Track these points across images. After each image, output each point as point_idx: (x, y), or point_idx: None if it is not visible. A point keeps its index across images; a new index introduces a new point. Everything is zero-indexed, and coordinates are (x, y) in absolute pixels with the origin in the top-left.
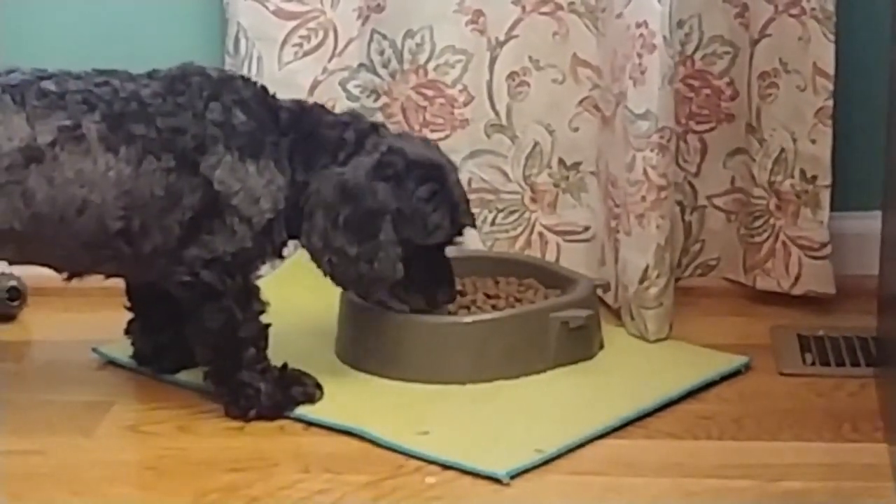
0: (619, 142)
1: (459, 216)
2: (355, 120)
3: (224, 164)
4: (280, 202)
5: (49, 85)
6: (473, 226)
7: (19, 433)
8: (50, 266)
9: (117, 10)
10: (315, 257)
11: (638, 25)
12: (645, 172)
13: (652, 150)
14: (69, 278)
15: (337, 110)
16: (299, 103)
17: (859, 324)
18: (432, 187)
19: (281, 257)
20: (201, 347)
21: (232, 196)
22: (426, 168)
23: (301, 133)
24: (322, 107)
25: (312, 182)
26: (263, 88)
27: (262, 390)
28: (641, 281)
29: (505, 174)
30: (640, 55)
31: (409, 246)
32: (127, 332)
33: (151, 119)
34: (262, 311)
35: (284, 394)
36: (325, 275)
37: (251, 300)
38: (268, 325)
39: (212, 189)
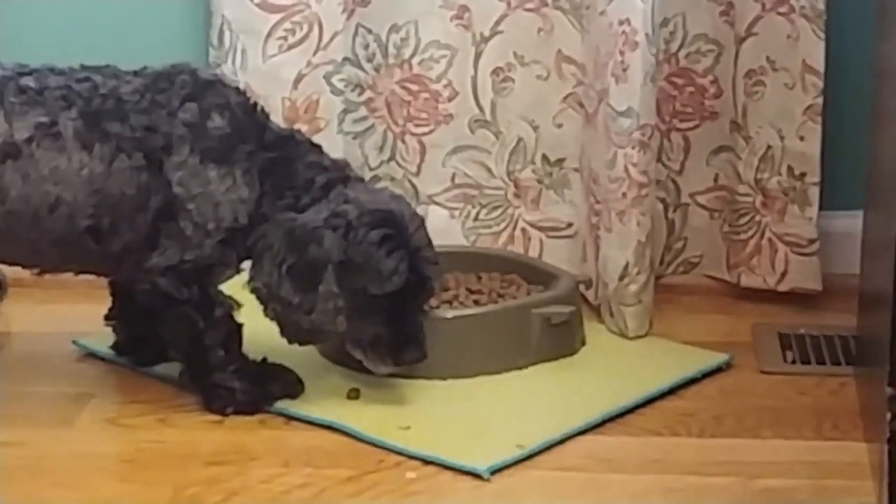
0: (602, 139)
1: (420, 263)
2: (334, 168)
3: (185, 167)
4: (242, 215)
5: (29, 81)
6: (433, 281)
7: None
8: (19, 264)
9: (102, 3)
10: (261, 302)
11: (620, 23)
12: (626, 169)
13: (633, 148)
14: (40, 274)
15: (321, 105)
16: (292, 130)
17: (840, 322)
18: (384, 233)
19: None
20: (172, 349)
21: (188, 200)
22: (379, 215)
23: (281, 157)
24: (312, 143)
25: (266, 226)
26: (255, 104)
27: (236, 389)
28: (621, 278)
29: (489, 170)
30: (622, 52)
31: (366, 298)
32: (107, 318)
33: (126, 117)
34: (230, 315)
35: (262, 389)
36: (271, 320)
37: (213, 308)
38: (240, 325)
39: (171, 191)
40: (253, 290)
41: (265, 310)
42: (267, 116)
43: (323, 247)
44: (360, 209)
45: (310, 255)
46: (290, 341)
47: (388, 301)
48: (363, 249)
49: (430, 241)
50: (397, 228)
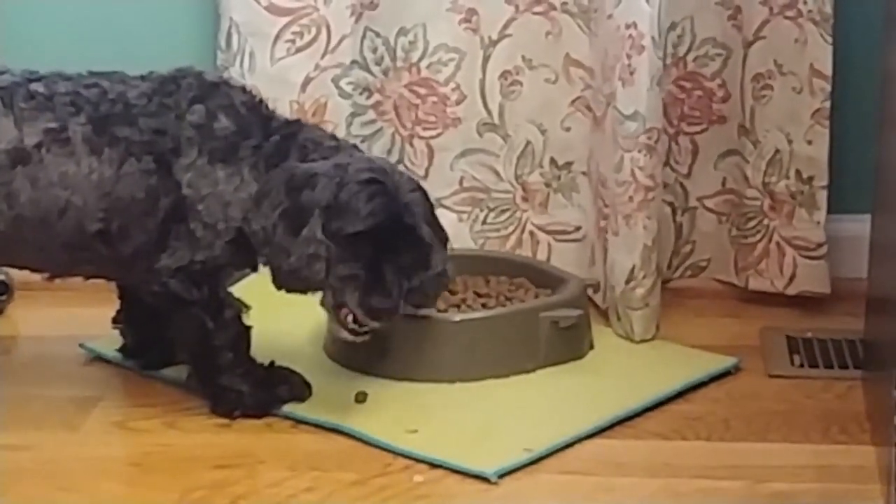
0: (609, 142)
1: (405, 212)
2: (342, 143)
3: (195, 168)
4: (256, 211)
5: (38, 87)
6: (428, 238)
7: (6, 428)
8: (29, 268)
9: (110, 6)
10: (256, 245)
11: (627, 27)
12: (632, 173)
13: (639, 151)
14: (50, 279)
15: (329, 108)
16: (298, 119)
17: (848, 326)
18: (370, 176)
19: (255, 269)
20: (180, 351)
21: (198, 202)
22: (375, 166)
23: (286, 135)
24: (319, 127)
25: (271, 171)
26: (260, 101)
27: (244, 392)
28: (628, 281)
29: (497, 173)
30: (629, 56)
31: (346, 242)
32: (115, 321)
33: (135, 120)
34: (238, 317)
35: (269, 393)
36: (265, 266)
37: (222, 309)
38: (248, 328)
39: (180, 193)
40: (251, 234)
41: (259, 254)
42: (272, 111)
43: (315, 192)
44: (357, 164)
45: (302, 200)
46: (278, 287)
47: (367, 248)
48: (348, 190)
49: (432, 210)
50: (386, 177)
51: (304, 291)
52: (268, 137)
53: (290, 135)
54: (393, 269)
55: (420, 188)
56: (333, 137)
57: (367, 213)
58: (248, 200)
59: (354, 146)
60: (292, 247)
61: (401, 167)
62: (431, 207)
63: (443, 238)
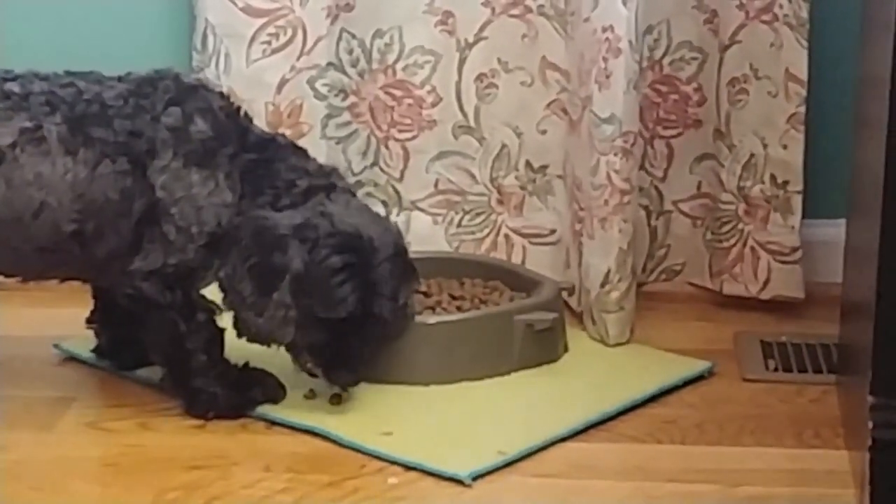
0: (585, 145)
1: (373, 299)
2: (318, 173)
3: (169, 171)
4: (225, 219)
5: (13, 86)
6: (390, 319)
7: None
8: (2, 273)
9: (85, 6)
10: (222, 291)
11: (604, 30)
12: (608, 176)
13: (616, 155)
14: (23, 281)
15: (305, 110)
16: (274, 134)
17: (822, 331)
18: (345, 260)
19: None
20: (154, 353)
21: (171, 205)
22: (348, 239)
23: (262, 158)
24: (296, 147)
25: (241, 219)
26: (238, 108)
27: (217, 394)
28: (603, 285)
29: (472, 176)
30: (605, 59)
31: (315, 315)
32: (89, 321)
33: (110, 122)
34: (211, 319)
35: (243, 395)
36: (227, 310)
37: (195, 312)
38: (222, 330)
39: (154, 196)
40: (218, 280)
41: (223, 299)
42: (250, 120)
43: (286, 255)
44: (332, 227)
45: (272, 260)
46: (240, 336)
47: (334, 323)
48: (321, 270)
49: (400, 273)
50: (361, 257)
51: (266, 345)
52: (245, 150)
53: (265, 160)
54: (359, 341)
55: (393, 250)
56: (307, 171)
57: (338, 302)
58: (220, 206)
59: (327, 179)
60: (263, 307)
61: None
62: (404, 263)
63: (412, 283)
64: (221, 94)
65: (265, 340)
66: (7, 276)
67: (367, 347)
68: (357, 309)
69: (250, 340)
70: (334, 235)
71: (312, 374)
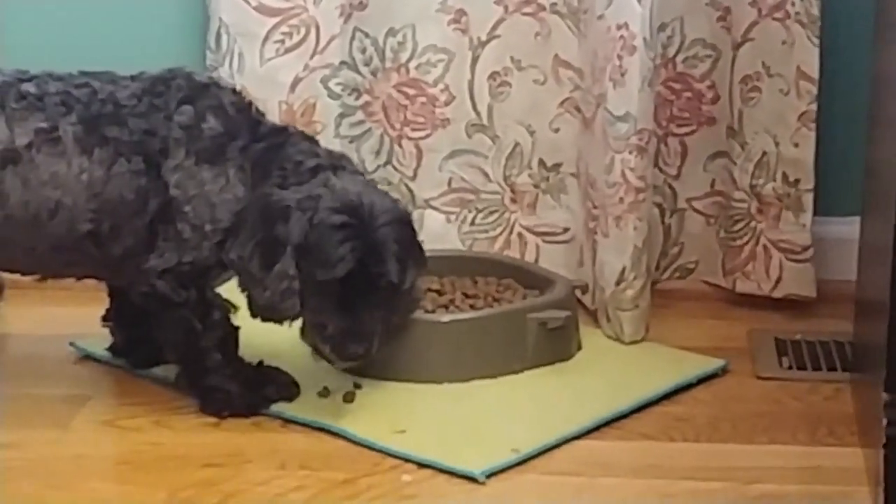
0: (599, 143)
1: (376, 261)
2: (327, 157)
3: (182, 169)
4: (238, 215)
5: (29, 87)
6: (396, 281)
7: None
8: (19, 271)
9: (100, 6)
10: (236, 273)
11: (619, 27)
12: (623, 174)
13: (630, 152)
14: (41, 279)
15: (318, 109)
16: (286, 125)
17: (837, 329)
18: (342, 219)
19: None
20: (168, 351)
21: (185, 203)
22: (347, 203)
23: (272, 145)
24: (307, 135)
25: (250, 199)
26: (250, 103)
27: (232, 392)
28: (618, 283)
29: (485, 174)
30: (620, 57)
31: (320, 284)
32: (104, 319)
33: (125, 121)
34: (226, 317)
35: (257, 393)
36: (242, 292)
37: (210, 310)
38: (236, 328)
39: (168, 194)
40: (229, 262)
41: (238, 282)
42: (262, 115)
43: (287, 226)
44: (333, 196)
45: (275, 233)
46: (253, 316)
47: (340, 291)
48: (319, 232)
49: (405, 240)
50: (360, 219)
51: (279, 322)
52: (255, 141)
53: (275, 146)
54: (367, 309)
55: (395, 216)
56: (316, 154)
57: (336, 261)
58: (233, 202)
59: (336, 161)
60: (266, 280)
61: (388, 167)
62: (409, 232)
63: (419, 261)
64: (233, 90)
65: (274, 315)
66: (24, 274)
67: (376, 317)
68: (359, 271)
69: (263, 319)
70: (335, 202)
71: (327, 359)
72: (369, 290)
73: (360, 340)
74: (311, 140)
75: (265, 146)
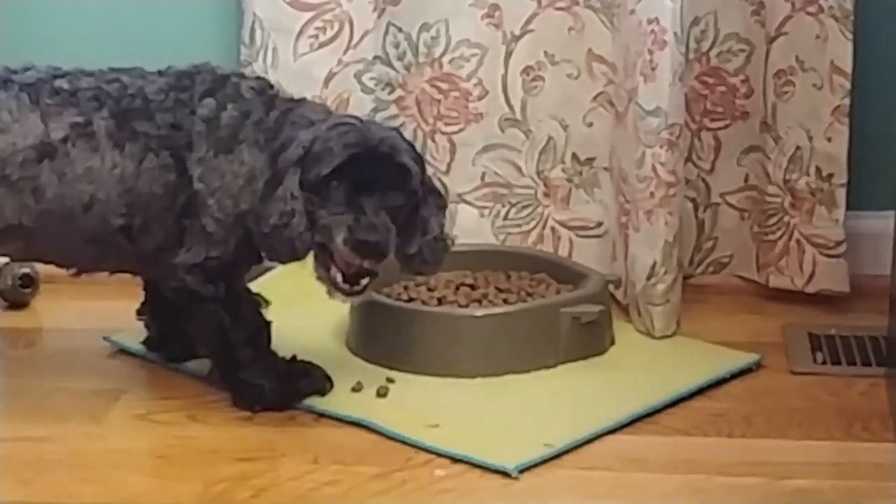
0: (631, 138)
1: (375, 141)
2: (335, 116)
3: (204, 163)
4: (258, 191)
5: (62, 83)
6: (412, 164)
7: (30, 420)
8: (54, 263)
9: (134, 2)
10: (251, 226)
11: (650, 22)
12: (654, 169)
13: (661, 147)
14: (76, 274)
15: (352, 103)
16: (304, 97)
17: (871, 323)
18: (340, 120)
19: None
20: (200, 346)
21: (208, 196)
22: (346, 120)
23: (285, 110)
24: (322, 104)
25: None
26: (269, 83)
27: (264, 386)
28: (649, 277)
29: (518, 168)
30: (651, 52)
31: (324, 190)
32: (139, 313)
33: (153, 115)
34: (257, 312)
35: (291, 387)
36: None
37: (239, 304)
38: (268, 323)
39: (192, 188)
40: (241, 214)
41: (258, 236)
42: (277, 91)
43: (288, 152)
44: (336, 117)
45: (279, 164)
46: (270, 258)
47: (347, 191)
48: (320, 140)
49: (408, 153)
50: (358, 122)
51: (294, 257)
52: (270, 110)
53: (287, 110)
54: (377, 205)
55: (403, 143)
56: (328, 113)
57: (340, 148)
58: (251, 180)
59: (350, 117)
60: (269, 207)
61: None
62: (420, 159)
63: (441, 204)
64: (256, 77)
65: (283, 246)
66: (59, 266)
67: (389, 209)
68: (362, 151)
69: (281, 260)
70: (336, 123)
71: (342, 290)
72: (379, 185)
73: (369, 228)
74: (324, 107)
75: (278, 114)
